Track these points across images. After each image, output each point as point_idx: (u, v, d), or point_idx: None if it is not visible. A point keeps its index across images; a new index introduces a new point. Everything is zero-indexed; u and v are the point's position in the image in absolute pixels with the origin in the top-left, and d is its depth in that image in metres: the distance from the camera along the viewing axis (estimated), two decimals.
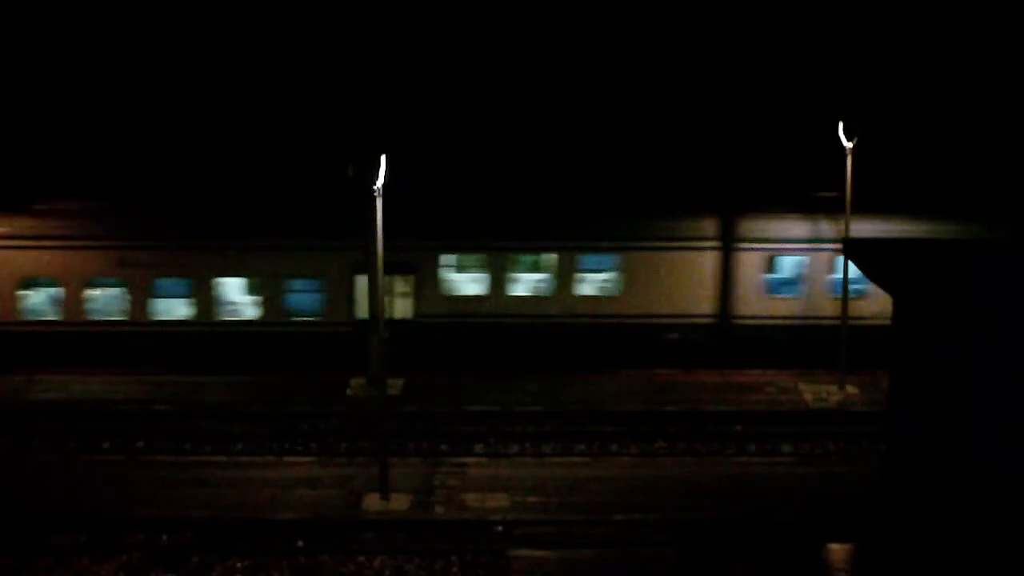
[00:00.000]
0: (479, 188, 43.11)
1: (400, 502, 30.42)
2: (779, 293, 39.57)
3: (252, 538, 28.88)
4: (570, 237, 39.19)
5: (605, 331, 39.34)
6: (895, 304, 23.17)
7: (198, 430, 34.47)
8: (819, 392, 38.06)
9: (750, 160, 49.62)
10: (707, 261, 39.22)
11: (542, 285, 39.52)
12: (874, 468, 29.29)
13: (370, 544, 28.79)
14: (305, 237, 38.97)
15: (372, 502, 30.44)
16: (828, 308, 39.18)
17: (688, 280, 39.26)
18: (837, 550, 27.76)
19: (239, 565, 27.89)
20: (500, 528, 29.43)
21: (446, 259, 39.26)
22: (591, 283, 39.57)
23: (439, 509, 30.22)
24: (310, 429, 34.79)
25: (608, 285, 39.54)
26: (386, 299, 38.21)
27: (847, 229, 37.11)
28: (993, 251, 22.91)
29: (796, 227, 39.40)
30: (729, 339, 39.65)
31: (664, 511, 30.03)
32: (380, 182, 29.39)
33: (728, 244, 39.20)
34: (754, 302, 39.35)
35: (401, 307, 39.02)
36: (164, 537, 28.87)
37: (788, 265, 39.60)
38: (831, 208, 39.25)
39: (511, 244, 39.22)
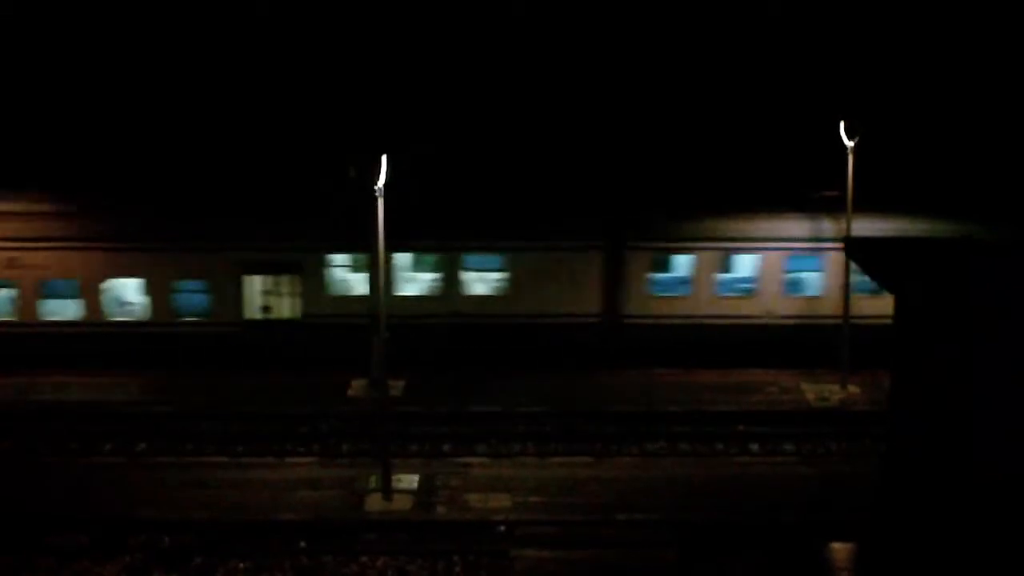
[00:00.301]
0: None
1: (402, 502, 30.45)
2: (667, 292, 39.81)
3: (254, 539, 28.91)
4: (455, 237, 39.35)
5: (493, 330, 39.34)
6: (896, 303, 23.17)
7: (199, 431, 34.49)
8: (821, 392, 38.06)
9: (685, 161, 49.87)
10: (593, 261, 39.32)
11: (428, 285, 39.73)
12: (875, 468, 29.29)
13: (372, 545, 28.83)
14: (192, 239, 39.12)
15: (374, 502, 30.47)
16: (716, 307, 39.44)
17: (575, 280, 39.35)
18: (838, 550, 27.77)
19: (241, 566, 27.92)
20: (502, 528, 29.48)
21: (332, 259, 39.38)
22: (478, 282, 39.78)
23: (440, 509, 30.24)
24: (311, 430, 34.80)
25: (496, 285, 39.68)
26: (273, 299, 38.72)
27: (848, 228, 37.12)
28: (991, 251, 22.92)
29: (685, 226, 39.71)
30: (618, 338, 39.68)
31: (665, 511, 30.05)
32: (381, 183, 29.41)
33: (615, 244, 39.35)
34: (642, 302, 39.49)
35: (288, 307, 39.27)
36: (166, 539, 28.93)
37: (677, 264, 40.04)
38: (718, 208, 39.88)
39: (395, 244, 39.30)
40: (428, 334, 39.23)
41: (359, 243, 38.26)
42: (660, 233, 39.72)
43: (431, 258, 39.80)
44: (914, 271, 22.04)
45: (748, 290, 39.81)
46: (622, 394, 37.64)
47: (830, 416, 35.99)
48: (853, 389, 37.99)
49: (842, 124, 36.89)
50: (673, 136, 52.22)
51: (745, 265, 40.04)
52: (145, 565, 27.94)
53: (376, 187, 29.33)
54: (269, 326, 39.35)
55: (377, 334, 31.14)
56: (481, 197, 41.75)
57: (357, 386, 38.36)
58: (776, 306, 39.63)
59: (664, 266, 40.20)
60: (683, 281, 39.94)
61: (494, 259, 39.60)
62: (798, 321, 39.61)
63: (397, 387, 37.67)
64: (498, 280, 39.70)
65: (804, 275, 39.78)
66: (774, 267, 39.50)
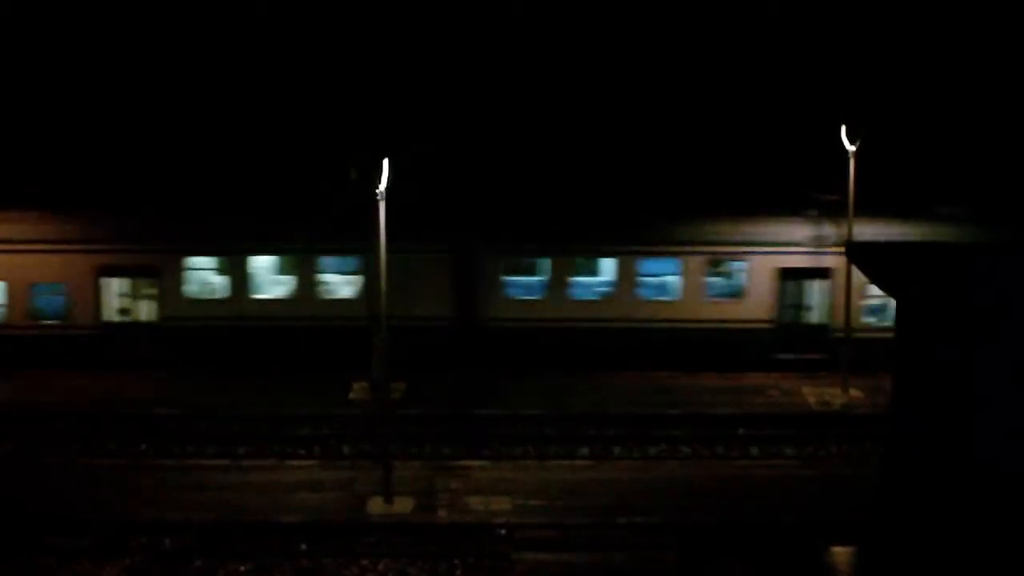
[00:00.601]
0: (220, 193, 43.33)
1: (403, 505, 30.44)
2: (523, 295, 39.87)
3: (255, 541, 28.91)
4: (312, 239, 39.51)
5: (349, 333, 39.35)
6: (897, 306, 23.20)
7: (200, 433, 34.50)
8: (822, 395, 38.06)
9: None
10: (448, 264, 39.50)
11: (285, 288, 39.88)
12: (875, 470, 29.25)
13: (373, 547, 28.83)
14: (49, 240, 39.14)
15: (375, 505, 30.46)
16: (573, 311, 39.57)
17: (430, 282, 39.49)
18: (839, 552, 27.74)
19: (242, 568, 27.91)
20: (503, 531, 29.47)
21: (189, 262, 39.49)
22: (334, 285, 39.92)
23: (442, 512, 30.23)
24: (312, 432, 34.79)
25: (352, 288, 39.77)
26: (131, 302, 39.04)
27: (850, 232, 37.15)
28: (992, 253, 22.92)
29: (537, 231, 39.96)
30: (474, 340, 39.76)
31: (666, 513, 30.04)
32: (383, 186, 29.45)
33: (470, 248, 39.49)
34: (499, 304, 39.60)
35: (146, 310, 39.48)
36: (167, 540, 28.92)
37: (530, 268, 40.22)
38: (573, 215, 40.29)
39: (251, 247, 39.56)
40: (287, 336, 39.52)
41: (216, 245, 38.82)
42: (513, 237, 39.96)
43: (289, 260, 39.90)
44: (915, 273, 22.06)
45: (605, 293, 39.93)
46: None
47: (831, 419, 35.99)
48: (854, 392, 38.00)
49: (843, 128, 36.94)
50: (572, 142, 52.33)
51: (607, 269, 40.28)
52: (145, 567, 27.93)
53: (378, 190, 29.36)
54: (126, 329, 39.43)
55: (378, 336, 31.13)
56: (338, 200, 41.77)
57: (358, 388, 38.37)
58: (633, 310, 39.72)
59: (520, 270, 40.32)
60: (540, 285, 40.03)
61: (350, 261, 39.72)
62: (652, 325, 39.73)
63: (398, 389, 37.69)
64: (356, 283, 39.79)
65: (661, 279, 39.91)
66: (629, 270, 39.62)
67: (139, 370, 39.22)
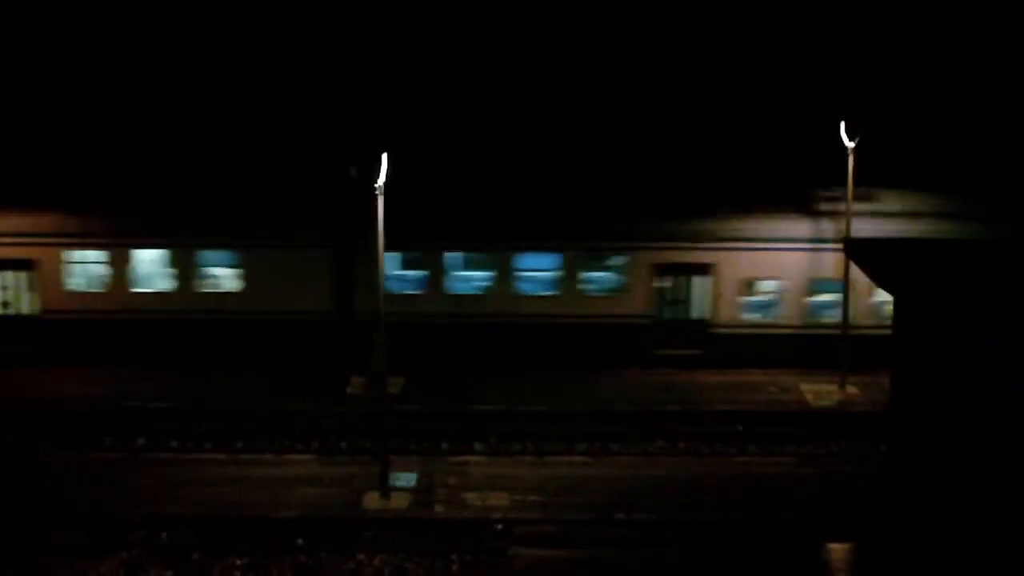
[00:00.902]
0: (101, 183, 43.00)
1: (400, 500, 30.41)
2: (403, 290, 39.80)
3: (252, 536, 28.87)
4: (191, 233, 39.51)
5: (228, 327, 39.44)
6: (896, 303, 23.18)
7: (199, 428, 34.44)
8: (820, 392, 38.06)
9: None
10: (325, 259, 39.47)
11: (166, 281, 39.77)
12: (875, 467, 29.29)
13: (370, 543, 28.81)
14: None
15: (372, 500, 30.43)
16: (450, 306, 39.60)
17: (306, 277, 39.47)
18: (837, 549, 27.74)
19: (239, 563, 27.88)
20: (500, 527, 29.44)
21: (70, 255, 39.42)
22: (215, 279, 39.94)
23: (439, 508, 30.21)
24: (310, 428, 34.74)
25: (230, 281, 39.79)
26: (12, 294, 39.28)
27: (848, 229, 37.12)
28: (993, 249, 22.92)
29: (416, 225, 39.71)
30: (350, 334, 39.62)
31: (665, 510, 30.03)
32: (381, 181, 29.41)
33: (346, 242, 39.47)
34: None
35: (27, 302, 39.51)
36: (164, 535, 28.88)
37: (413, 262, 40.18)
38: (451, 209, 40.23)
39: (131, 240, 39.48)
40: (165, 330, 39.57)
41: (98, 239, 38.88)
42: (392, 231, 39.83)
43: (170, 254, 39.74)
44: (915, 270, 22.04)
45: (485, 288, 39.82)
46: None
47: (829, 416, 35.98)
48: (852, 390, 37.99)
49: (843, 124, 36.94)
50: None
51: (486, 263, 40.10)
52: (143, 561, 27.90)
53: (376, 185, 29.32)
54: (6, 321, 39.49)
55: (378, 332, 31.09)
56: (216, 193, 41.62)
57: (356, 383, 38.34)
58: (511, 305, 39.64)
59: (402, 264, 40.19)
60: (419, 279, 39.98)
61: (229, 256, 39.71)
62: (530, 320, 39.60)
63: (397, 384, 37.65)
64: (233, 277, 39.77)
65: (539, 274, 39.76)
66: (506, 265, 39.54)
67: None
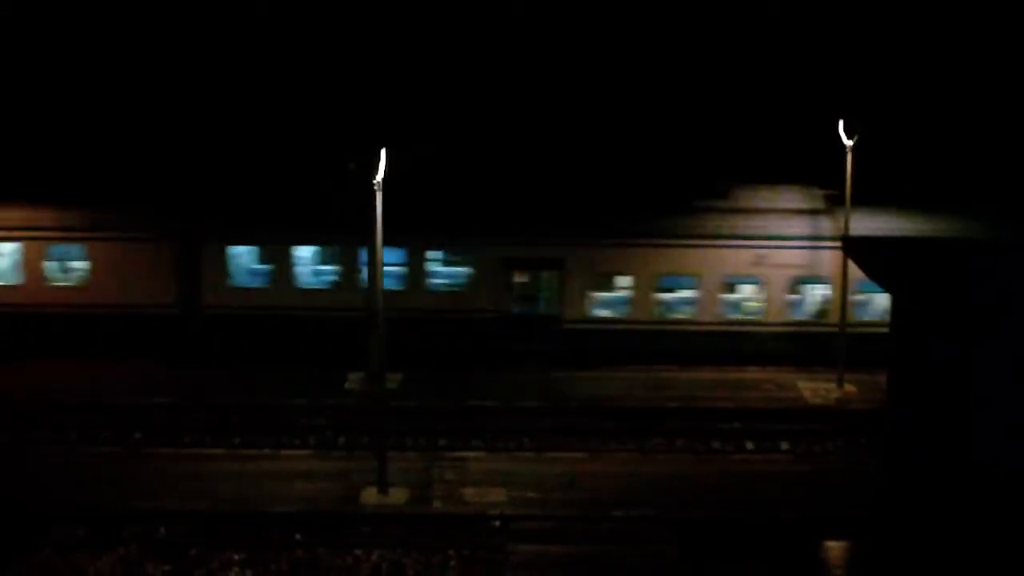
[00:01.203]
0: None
1: (398, 496, 30.43)
2: (248, 283, 39.93)
3: (250, 531, 28.91)
4: (38, 227, 39.49)
5: (74, 320, 39.50)
6: (893, 302, 23.21)
7: (197, 423, 34.46)
8: (818, 389, 38.11)
9: None
10: (168, 252, 39.47)
11: (10, 273, 39.87)
12: (872, 466, 29.27)
13: (367, 538, 28.85)
14: None
15: (370, 496, 30.45)
16: (296, 299, 39.53)
17: (151, 270, 39.48)
18: (834, 547, 27.80)
19: (236, 558, 27.91)
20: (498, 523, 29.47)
21: None
22: (63, 272, 40.00)
23: (437, 503, 30.24)
24: (308, 423, 34.76)
25: (79, 275, 39.89)
26: None
27: (847, 227, 37.15)
28: (991, 250, 22.96)
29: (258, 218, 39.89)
30: (198, 329, 39.72)
31: (663, 508, 30.07)
32: (380, 177, 29.43)
33: (192, 235, 39.49)
34: (225, 292, 39.64)
35: None
36: (162, 530, 28.91)
37: (250, 257, 40.21)
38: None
39: None
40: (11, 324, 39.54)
41: None
42: (237, 225, 39.97)
43: (13, 247, 39.77)
44: (913, 270, 22.08)
45: (333, 282, 39.86)
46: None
47: (826, 414, 36.02)
48: (849, 388, 38.04)
49: (841, 123, 36.96)
50: None
51: (333, 257, 40.18)
52: (140, 556, 27.92)
53: (375, 181, 29.33)
54: None
55: (375, 327, 31.09)
56: (64, 186, 41.40)
57: (354, 379, 38.35)
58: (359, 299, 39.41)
59: (250, 258, 40.27)
60: (263, 273, 40.01)
61: (76, 249, 39.75)
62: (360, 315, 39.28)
63: (394, 380, 37.65)
64: (80, 270, 39.86)
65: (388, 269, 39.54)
66: (352, 259, 39.51)
67: None
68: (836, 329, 37.74)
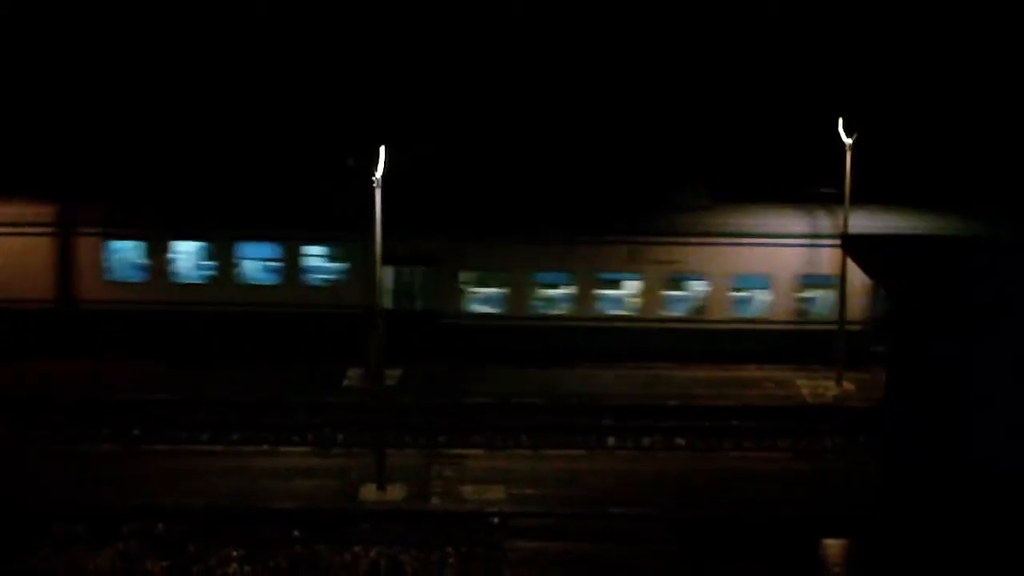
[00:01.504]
0: None
1: (396, 492, 30.45)
2: (127, 278, 39.61)
3: (249, 527, 28.93)
4: None
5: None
6: (893, 300, 23.18)
7: (196, 420, 34.47)
8: (816, 387, 38.13)
9: None
10: (45, 246, 39.15)
11: None
12: (872, 464, 29.27)
13: (366, 535, 28.87)
14: None
15: (369, 492, 30.47)
16: (174, 294, 39.40)
17: (25, 264, 39.17)
18: (833, 545, 27.82)
19: (235, 554, 27.93)
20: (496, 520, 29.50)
21: None
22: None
23: (435, 500, 30.25)
24: (307, 420, 34.76)
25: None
26: None
27: (845, 225, 37.16)
28: (991, 249, 22.95)
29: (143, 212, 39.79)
30: (75, 324, 39.46)
31: (663, 507, 30.10)
32: (379, 174, 29.44)
33: (67, 229, 39.22)
34: (98, 287, 39.35)
35: None
36: (160, 526, 28.93)
37: (129, 252, 39.81)
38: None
39: None
40: None
41: None
42: (117, 219, 39.64)
43: None
44: (913, 268, 22.06)
45: (209, 277, 39.60)
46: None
47: (825, 412, 36.05)
48: (848, 385, 38.05)
49: (840, 121, 36.95)
50: None
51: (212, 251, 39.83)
52: (139, 552, 27.93)
53: (375, 178, 29.34)
54: None
55: (374, 325, 31.10)
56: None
57: (353, 376, 38.35)
58: (235, 294, 39.33)
59: (126, 252, 39.93)
60: (141, 267, 39.75)
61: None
62: (255, 309, 39.25)
63: (393, 377, 37.64)
64: None
65: (264, 263, 39.64)
66: (227, 253, 39.27)
67: None
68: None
